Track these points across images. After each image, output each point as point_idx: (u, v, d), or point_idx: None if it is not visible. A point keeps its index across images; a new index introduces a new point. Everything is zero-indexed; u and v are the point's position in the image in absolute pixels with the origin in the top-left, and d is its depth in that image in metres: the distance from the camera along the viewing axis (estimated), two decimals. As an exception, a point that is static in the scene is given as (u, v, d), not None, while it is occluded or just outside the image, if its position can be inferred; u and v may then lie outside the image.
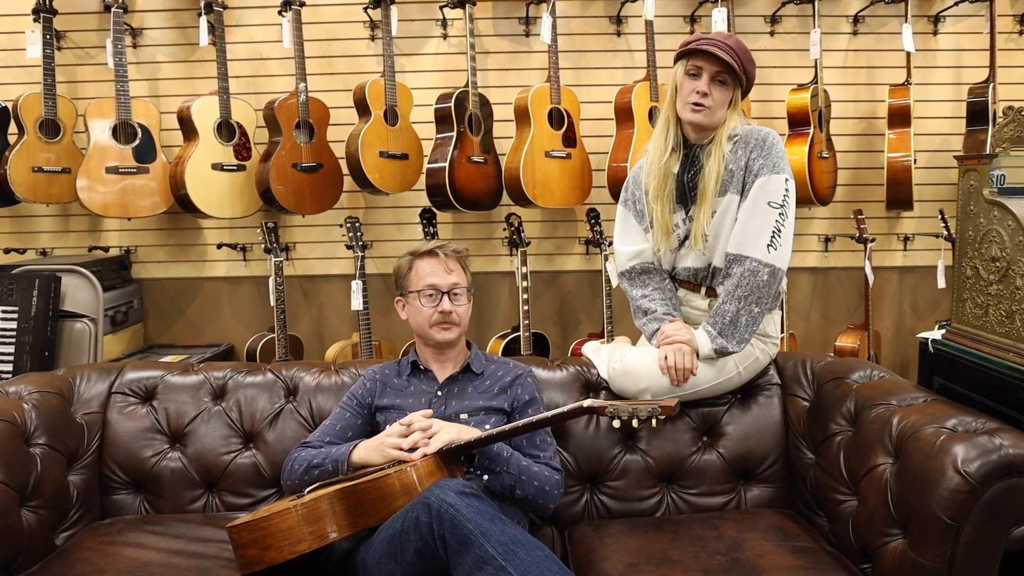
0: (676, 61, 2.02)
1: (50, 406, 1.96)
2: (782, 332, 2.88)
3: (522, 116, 3.08)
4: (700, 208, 1.99)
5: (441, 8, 3.20)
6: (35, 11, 2.95)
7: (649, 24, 3.11)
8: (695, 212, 2.00)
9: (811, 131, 3.14)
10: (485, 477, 1.74)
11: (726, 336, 1.94)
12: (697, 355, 1.96)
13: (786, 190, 1.93)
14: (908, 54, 3.23)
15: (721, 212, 1.99)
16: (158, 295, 3.44)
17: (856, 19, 3.35)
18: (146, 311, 3.43)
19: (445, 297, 1.88)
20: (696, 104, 1.95)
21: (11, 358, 2.73)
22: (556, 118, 3.08)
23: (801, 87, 3.20)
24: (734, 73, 1.94)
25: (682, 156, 2.05)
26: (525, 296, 3.04)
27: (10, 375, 2.70)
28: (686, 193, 2.03)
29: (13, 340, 2.74)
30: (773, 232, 1.91)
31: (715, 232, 2.00)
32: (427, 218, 3.08)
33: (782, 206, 1.92)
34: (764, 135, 1.97)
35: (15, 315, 2.76)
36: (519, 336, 3.07)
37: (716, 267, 2.03)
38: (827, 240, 3.45)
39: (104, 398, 2.08)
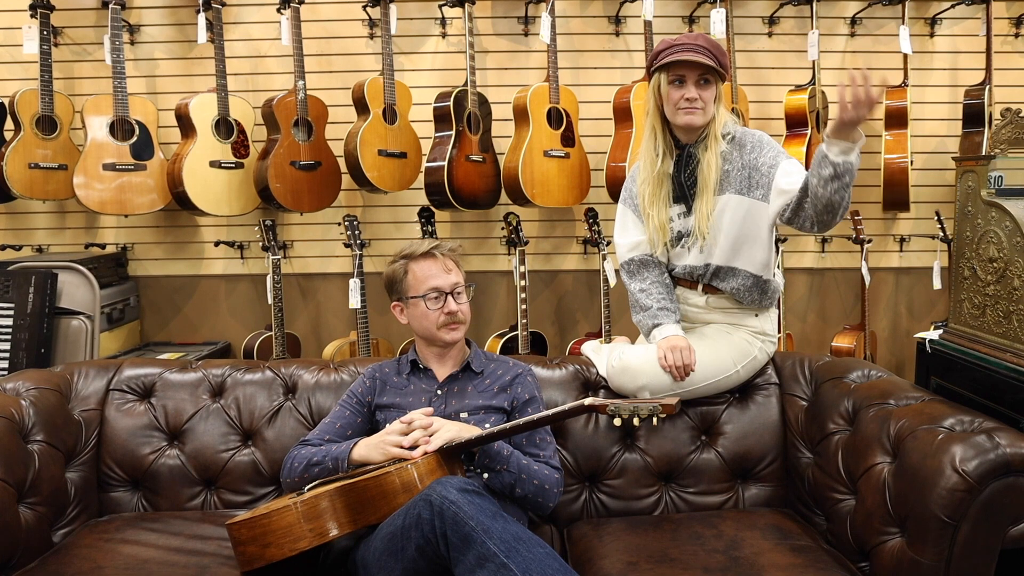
0: (652, 73, 2.03)
1: (48, 403, 1.95)
2: (779, 332, 2.89)
3: (521, 115, 3.08)
4: (701, 201, 2.00)
5: (440, 7, 3.20)
6: (32, 7, 2.94)
7: (648, 24, 3.12)
8: (696, 206, 2.02)
9: (809, 132, 3.15)
10: (485, 475, 1.74)
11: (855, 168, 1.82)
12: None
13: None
14: (905, 56, 3.25)
15: (719, 211, 2.00)
16: (155, 292, 3.43)
17: (854, 21, 3.37)
18: (143, 308, 3.42)
19: (449, 298, 1.88)
20: (688, 109, 1.97)
21: (7, 355, 2.72)
22: (555, 117, 3.09)
23: (799, 88, 3.21)
24: (715, 71, 1.97)
25: (675, 158, 2.06)
26: (523, 295, 3.05)
27: (6, 372, 2.69)
28: (684, 191, 2.05)
29: (9, 337, 2.73)
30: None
31: (714, 230, 2.01)
32: (425, 217, 3.08)
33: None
34: (758, 137, 2.02)
35: (11, 312, 2.75)
36: (517, 335, 3.07)
37: (718, 266, 2.04)
38: (824, 241, 3.46)
39: (102, 395, 2.07)
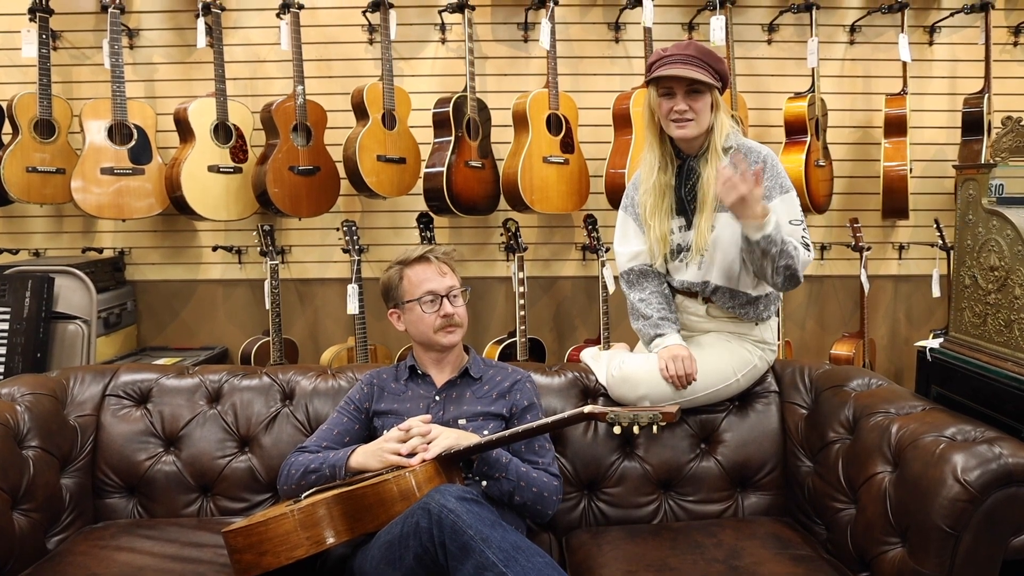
0: (647, 85, 2.02)
1: (43, 408, 1.94)
2: (778, 339, 2.89)
3: (520, 121, 3.08)
4: (701, 216, 1.99)
5: (440, 13, 3.20)
6: (31, 10, 2.93)
7: (648, 31, 3.12)
8: (696, 221, 2.00)
9: (808, 139, 3.15)
10: (484, 483, 1.73)
11: (778, 236, 1.86)
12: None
13: (797, 203, 2.00)
14: (904, 64, 3.25)
15: (719, 228, 1.99)
16: (152, 297, 3.42)
17: (853, 29, 3.37)
18: (139, 313, 3.40)
19: (445, 300, 1.87)
20: (679, 120, 1.96)
21: (3, 359, 2.70)
22: (554, 124, 3.08)
23: (798, 95, 3.21)
24: (705, 82, 1.93)
25: (677, 169, 2.05)
26: (522, 302, 3.04)
27: (1, 377, 2.67)
28: (685, 205, 2.04)
29: (5, 341, 2.72)
30: (803, 242, 1.94)
31: (713, 247, 1.99)
32: (424, 223, 3.07)
33: (801, 221, 1.97)
34: (764, 157, 1.98)
35: (7, 316, 2.73)
36: (515, 341, 3.06)
37: (716, 285, 2.02)
38: (823, 248, 3.46)
39: (98, 400, 2.06)
